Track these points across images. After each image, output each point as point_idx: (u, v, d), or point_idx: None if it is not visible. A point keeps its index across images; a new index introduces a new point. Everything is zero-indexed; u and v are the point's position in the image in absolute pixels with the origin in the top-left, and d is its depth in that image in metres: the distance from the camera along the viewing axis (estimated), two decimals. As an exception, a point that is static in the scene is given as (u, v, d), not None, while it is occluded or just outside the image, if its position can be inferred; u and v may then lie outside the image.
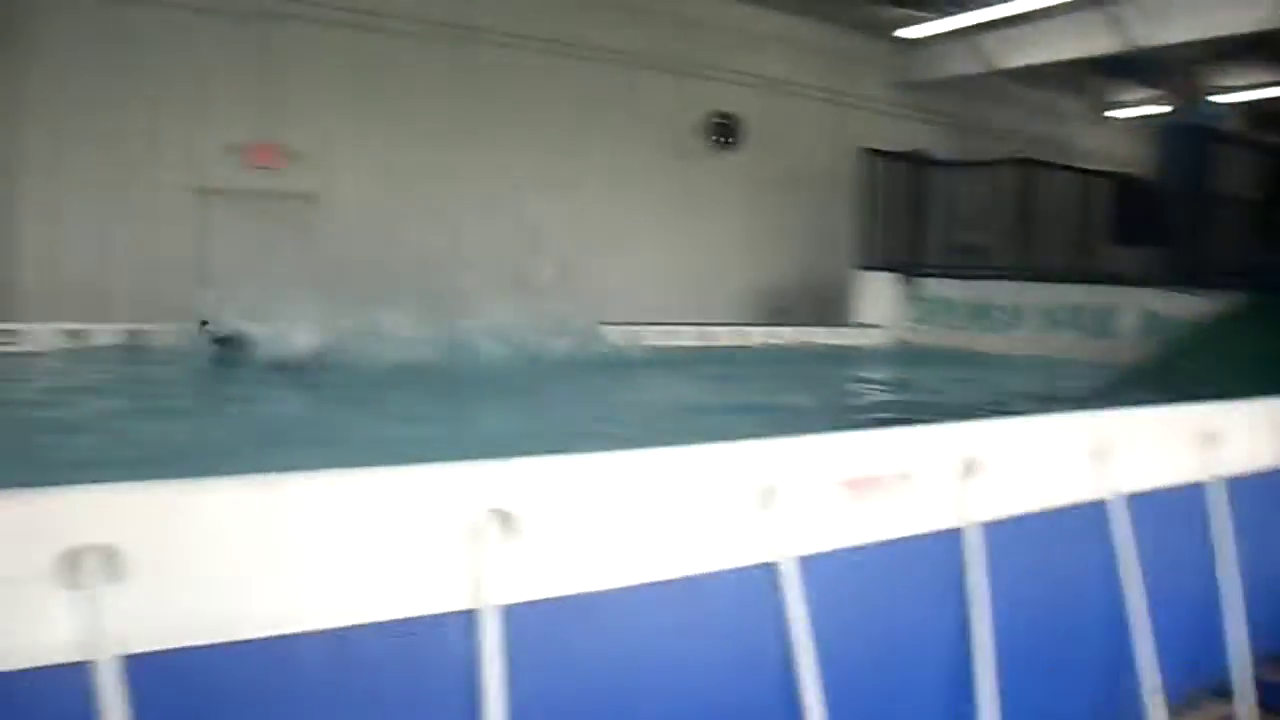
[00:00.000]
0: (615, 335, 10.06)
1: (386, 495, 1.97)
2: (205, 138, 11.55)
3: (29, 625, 1.69)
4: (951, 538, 2.91)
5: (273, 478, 1.89)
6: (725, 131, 15.56)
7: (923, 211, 14.29)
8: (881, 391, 9.32)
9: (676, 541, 2.36)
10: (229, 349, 7.95)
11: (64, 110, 10.91)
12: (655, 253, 14.82)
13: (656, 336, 10.73)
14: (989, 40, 15.19)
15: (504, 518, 2.03)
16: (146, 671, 1.75)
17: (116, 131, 11.11)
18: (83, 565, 1.69)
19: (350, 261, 11.67)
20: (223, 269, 11.21)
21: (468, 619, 2.01)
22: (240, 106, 11.74)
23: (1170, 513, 3.57)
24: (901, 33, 15.77)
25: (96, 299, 10.37)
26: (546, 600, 2.12)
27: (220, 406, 6.85)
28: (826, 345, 12.42)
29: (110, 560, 1.71)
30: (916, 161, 14.47)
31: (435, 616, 1.99)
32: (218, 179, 11.63)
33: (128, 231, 11.17)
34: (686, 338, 11.15)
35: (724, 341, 11.47)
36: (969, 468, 2.94)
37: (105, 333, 8.78)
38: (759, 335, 11.99)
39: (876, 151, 14.19)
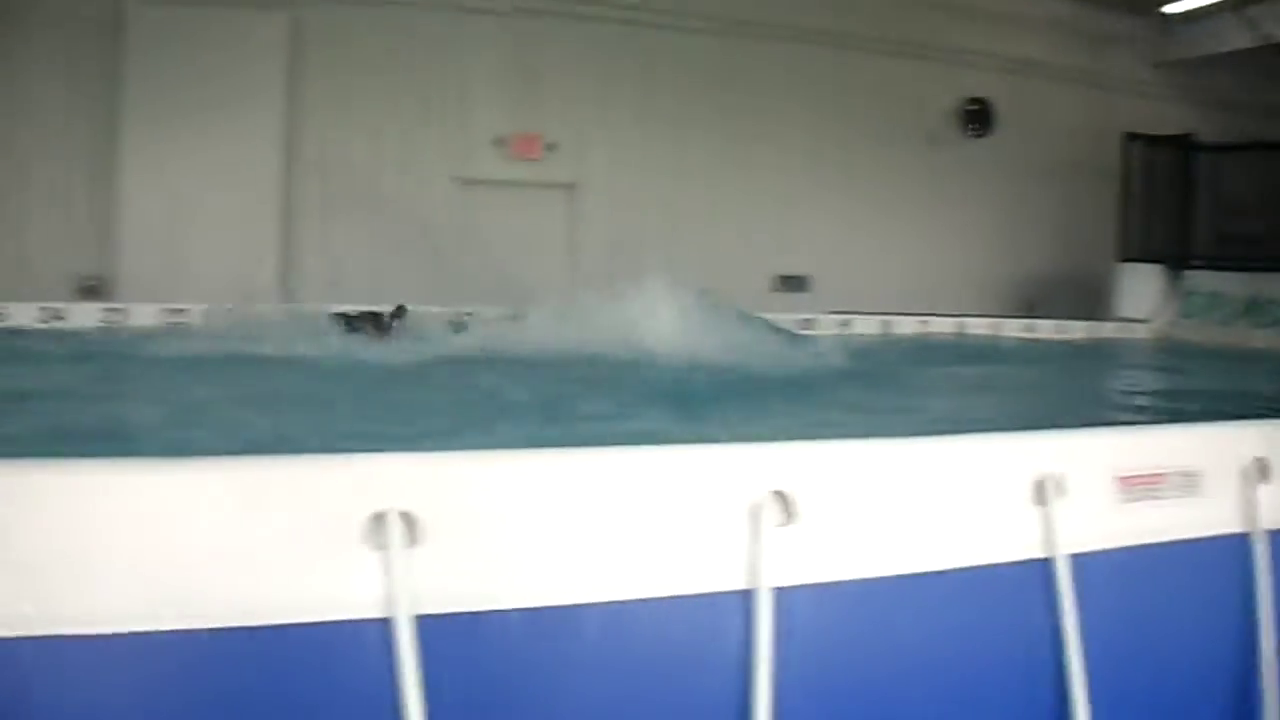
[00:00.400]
0: (865, 325, 9.93)
1: (670, 473, 2.01)
2: (467, 129, 12.07)
3: (340, 581, 1.80)
4: (1237, 543, 2.74)
5: (561, 452, 1.96)
6: (977, 118, 15.05)
7: (1190, 199, 13.46)
8: (1154, 388, 8.82)
9: (949, 532, 2.32)
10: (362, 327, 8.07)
11: (338, 105, 11.62)
12: (903, 243, 14.51)
13: (908, 327, 10.52)
14: (1263, 11, 14.12)
15: (783, 500, 2.04)
16: (438, 631, 1.84)
17: (385, 124, 11.76)
18: (387, 529, 1.79)
19: (606, 250, 12.05)
20: (485, 256, 11.74)
21: (743, 599, 2.02)
22: (499, 99, 12.20)
23: None
24: (1167, 8, 14.86)
25: (370, 282, 11.02)
26: (819, 585, 2.12)
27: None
28: (1087, 340, 11.86)
29: (410, 525, 1.82)
30: (1183, 145, 13.64)
31: (711, 595, 2.02)
32: (480, 169, 12.12)
33: (396, 220, 11.81)
34: (939, 328, 10.87)
35: (979, 333, 11.10)
36: (1259, 470, 2.76)
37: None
38: (1015, 329, 11.57)
39: (1139, 136, 13.47)
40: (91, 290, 10.62)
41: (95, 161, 11.04)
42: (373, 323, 8.17)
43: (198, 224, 10.81)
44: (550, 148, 12.41)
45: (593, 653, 1.97)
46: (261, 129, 11.24)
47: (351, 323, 8.08)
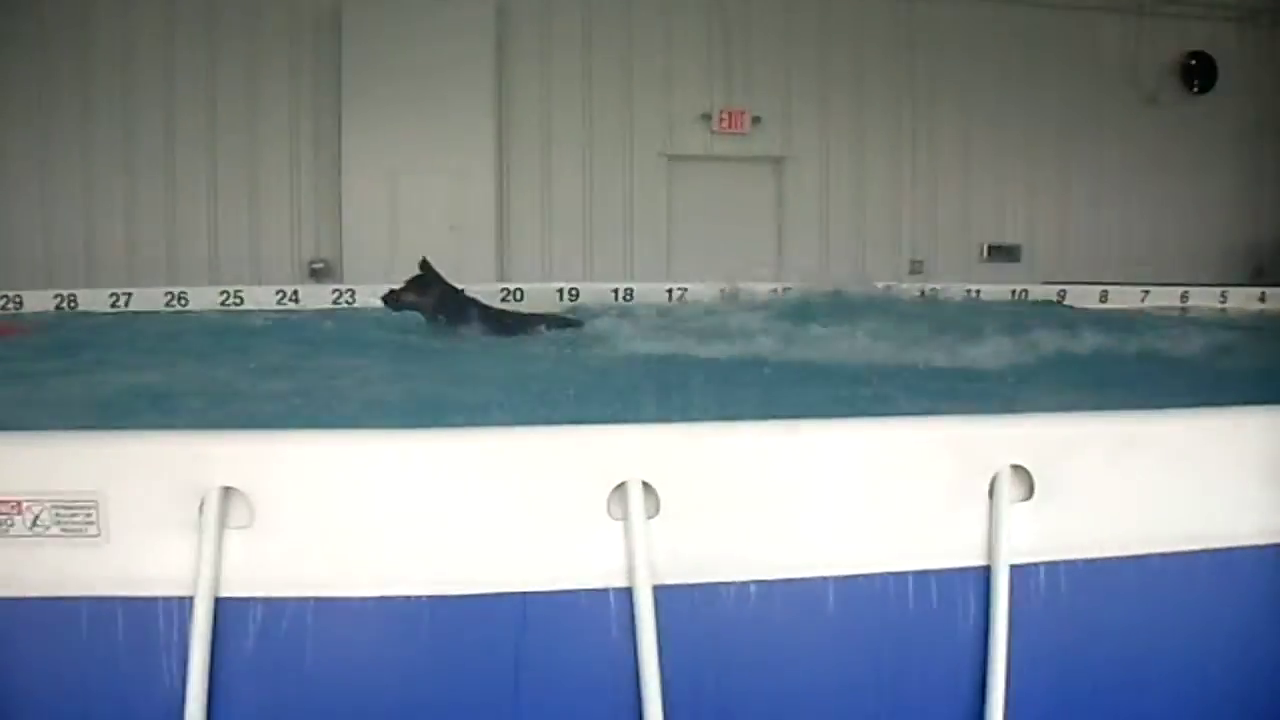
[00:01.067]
0: (1077, 296, 9.50)
1: (908, 446, 1.98)
2: (673, 105, 12.15)
3: (582, 550, 1.85)
4: None
5: (795, 424, 1.96)
6: (1199, 73, 14.23)
7: None
8: None
9: (1190, 512, 2.21)
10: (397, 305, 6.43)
11: (546, 85, 11.89)
12: (1119, 209, 13.90)
13: (1128, 298, 9.99)
14: None
15: (1023, 474, 1.99)
16: (675, 602, 1.87)
17: (593, 102, 11.97)
18: (629, 499, 1.83)
19: (815, 224, 12.01)
20: (688, 231, 11.89)
21: (979, 576, 1.99)
22: (705, 74, 12.24)
23: None
24: None
25: (581, 260, 11.36)
26: (1058, 562, 2.06)
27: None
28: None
29: (651, 495, 1.85)
30: None
31: (948, 571, 1.99)
32: (687, 145, 12.21)
33: (605, 197, 12.04)
34: (1162, 298, 10.25)
35: (1203, 304, 10.41)
36: None
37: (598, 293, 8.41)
38: (1245, 298, 10.83)
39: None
40: (319, 273, 11.23)
41: (320, 151, 11.69)
42: (417, 291, 6.38)
43: (416, 207, 11.29)
44: (756, 121, 12.37)
45: (827, 627, 1.97)
46: (473, 112, 11.63)
47: (395, 301, 6.44)
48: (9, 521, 1.86)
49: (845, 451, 1.95)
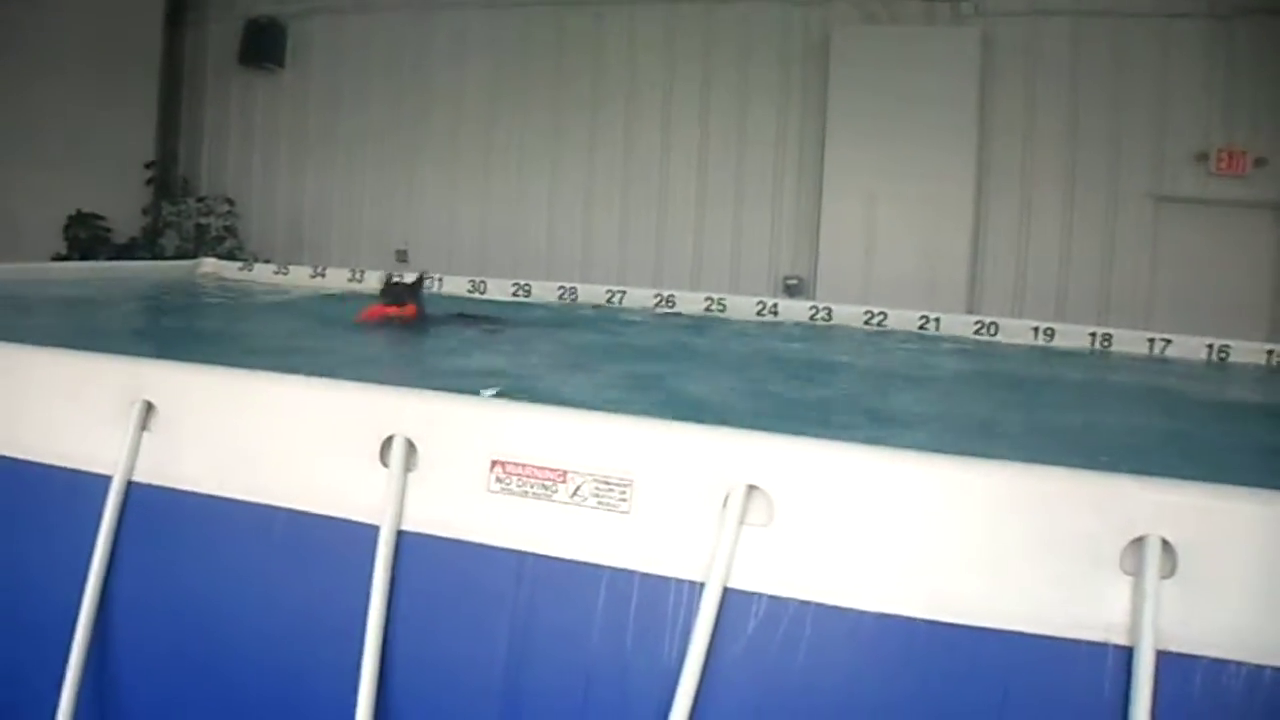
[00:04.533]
0: None
1: None
2: (1165, 143, 11.35)
3: (1088, 600, 1.82)
4: None
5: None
6: None
7: None
8: None
9: None
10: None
11: (1027, 116, 11.54)
12: None
13: None
14: None
15: None
16: (1175, 671, 1.78)
17: (1077, 136, 11.45)
18: (1145, 555, 1.78)
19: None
20: (1173, 279, 11.10)
21: None
22: (1202, 110, 11.28)
23: None
24: None
25: (1054, 299, 10.96)
26: None
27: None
28: None
29: (1170, 555, 1.78)
30: None
31: None
32: (1177, 186, 11.37)
33: (1084, 237, 11.49)
34: None
35: None
36: None
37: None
38: None
39: None
40: (793, 289, 11.64)
41: (803, 171, 12.06)
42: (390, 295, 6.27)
43: (891, 231, 11.38)
44: (1260, 164, 11.22)
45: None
46: (953, 140, 11.52)
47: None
48: (554, 488, 2.10)
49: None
